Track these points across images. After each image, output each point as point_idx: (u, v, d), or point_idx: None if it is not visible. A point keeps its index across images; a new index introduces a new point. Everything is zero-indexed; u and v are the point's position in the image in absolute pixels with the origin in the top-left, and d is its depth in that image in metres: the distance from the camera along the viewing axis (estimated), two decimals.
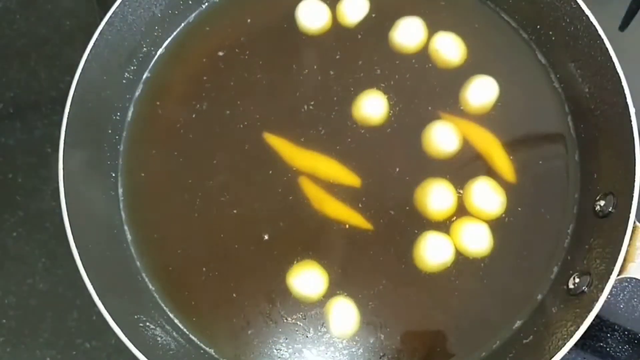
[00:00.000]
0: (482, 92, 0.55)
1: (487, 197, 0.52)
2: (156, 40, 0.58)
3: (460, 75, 0.56)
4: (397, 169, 0.54)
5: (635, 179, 0.46)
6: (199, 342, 0.52)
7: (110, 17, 0.52)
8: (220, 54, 0.58)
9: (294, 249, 0.52)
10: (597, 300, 0.44)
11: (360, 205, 0.53)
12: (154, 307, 0.52)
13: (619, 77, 0.48)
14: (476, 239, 0.51)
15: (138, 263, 0.54)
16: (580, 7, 0.51)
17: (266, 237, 0.53)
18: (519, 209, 0.53)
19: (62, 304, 0.59)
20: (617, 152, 0.49)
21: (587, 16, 0.50)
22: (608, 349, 0.55)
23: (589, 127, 0.53)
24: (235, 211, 0.54)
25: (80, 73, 0.51)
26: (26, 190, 0.62)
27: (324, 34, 0.58)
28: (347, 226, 0.52)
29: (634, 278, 0.45)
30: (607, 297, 0.44)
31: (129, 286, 0.52)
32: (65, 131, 0.50)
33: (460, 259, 0.51)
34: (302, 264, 0.52)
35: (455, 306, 0.51)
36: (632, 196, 0.45)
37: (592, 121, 0.53)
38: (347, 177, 0.54)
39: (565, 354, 0.44)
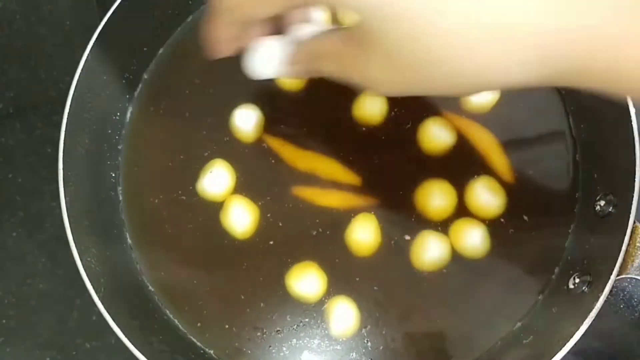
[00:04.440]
0: None
1: (487, 197, 0.52)
2: (156, 40, 0.58)
3: None
4: (397, 168, 0.54)
5: (635, 179, 0.46)
6: (198, 343, 0.52)
7: (110, 17, 0.52)
8: None
9: (293, 250, 0.52)
10: (597, 300, 0.44)
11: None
12: (154, 308, 0.52)
13: None
14: (475, 239, 0.51)
15: (138, 264, 0.54)
16: None
17: (266, 237, 0.53)
18: (519, 208, 0.53)
19: (62, 304, 0.59)
20: (617, 152, 0.49)
21: None
22: None
23: (589, 127, 0.53)
24: None
25: (80, 73, 0.51)
26: (26, 190, 0.62)
27: None
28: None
29: (634, 278, 0.45)
30: (607, 297, 0.44)
31: (129, 286, 0.53)
32: (65, 131, 0.50)
33: (460, 259, 0.51)
34: (300, 264, 0.52)
35: (455, 306, 0.51)
36: (632, 196, 0.45)
37: (592, 121, 0.53)
38: (347, 176, 0.54)
39: (566, 354, 0.44)
